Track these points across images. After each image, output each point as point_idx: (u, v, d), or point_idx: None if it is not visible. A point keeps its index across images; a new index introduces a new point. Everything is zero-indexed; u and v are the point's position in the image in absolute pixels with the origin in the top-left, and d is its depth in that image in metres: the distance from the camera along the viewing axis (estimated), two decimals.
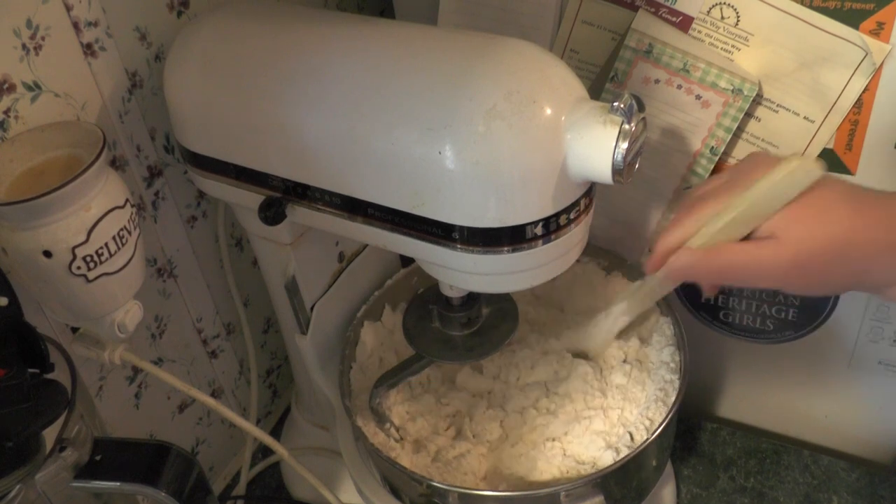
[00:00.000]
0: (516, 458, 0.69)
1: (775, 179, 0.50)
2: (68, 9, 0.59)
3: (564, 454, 0.69)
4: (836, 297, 0.77)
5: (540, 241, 0.52)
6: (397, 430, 0.71)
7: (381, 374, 0.70)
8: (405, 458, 0.70)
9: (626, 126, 0.48)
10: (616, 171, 0.49)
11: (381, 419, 0.70)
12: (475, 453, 0.70)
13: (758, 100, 0.69)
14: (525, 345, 0.77)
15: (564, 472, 0.67)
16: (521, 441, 0.70)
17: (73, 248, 0.54)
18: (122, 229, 0.57)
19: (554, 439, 0.70)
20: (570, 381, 0.73)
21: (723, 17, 0.67)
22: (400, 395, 0.74)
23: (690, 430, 0.92)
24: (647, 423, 0.68)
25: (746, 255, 0.52)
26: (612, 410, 0.71)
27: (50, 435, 0.47)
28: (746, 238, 0.53)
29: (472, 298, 0.66)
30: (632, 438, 0.67)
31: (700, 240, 0.54)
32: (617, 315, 0.71)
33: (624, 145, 0.48)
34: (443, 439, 0.72)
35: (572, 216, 0.53)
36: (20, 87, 0.56)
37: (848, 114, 0.66)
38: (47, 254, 0.53)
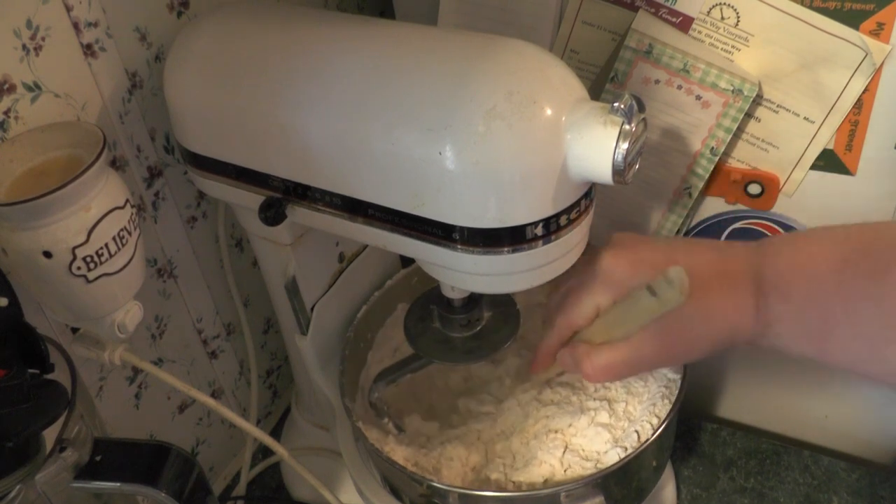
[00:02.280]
0: (517, 450, 0.69)
1: (648, 307, 0.55)
2: (68, 9, 0.59)
3: (567, 447, 0.69)
4: None
5: (540, 242, 0.52)
6: (396, 425, 0.71)
7: (380, 370, 0.70)
8: (399, 452, 0.70)
9: (627, 126, 0.48)
10: (616, 172, 0.49)
11: (379, 413, 0.70)
12: (466, 443, 0.70)
13: (758, 100, 0.69)
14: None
15: (566, 466, 0.67)
16: (522, 432, 0.70)
17: (73, 249, 0.54)
18: (122, 230, 0.57)
19: (557, 431, 0.70)
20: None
21: (723, 18, 0.67)
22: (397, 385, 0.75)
23: (690, 430, 0.92)
24: (655, 420, 0.68)
25: (615, 354, 0.58)
26: (616, 403, 0.71)
27: (50, 435, 0.47)
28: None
29: (472, 300, 0.66)
30: (639, 437, 0.67)
31: (578, 338, 0.61)
32: None
33: (624, 146, 0.48)
34: (435, 428, 0.72)
35: (572, 217, 0.53)
36: (20, 88, 0.56)
37: (848, 114, 0.66)
38: (47, 254, 0.53)
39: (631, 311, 0.57)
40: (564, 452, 0.68)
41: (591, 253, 0.60)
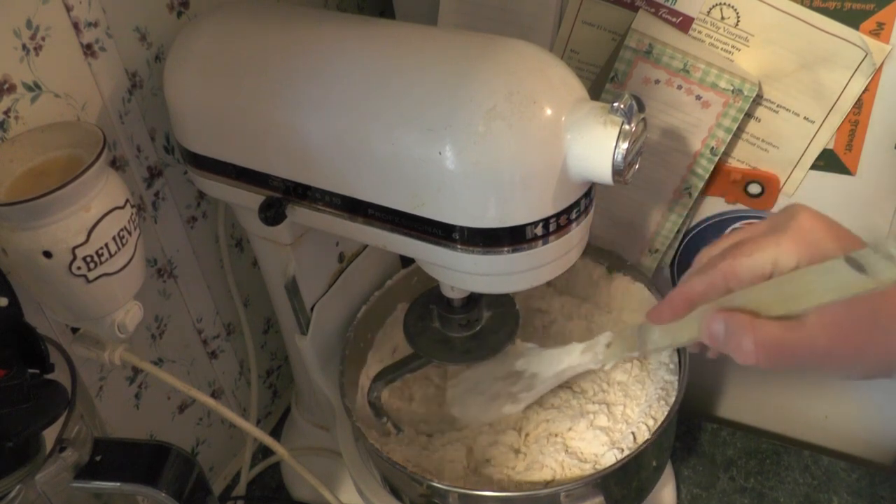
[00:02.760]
0: (517, 451, 0.69)
1: (848, 283, 0.42)
2: (68, 9, 0.59)
3: (567, 450, 0.69)
4: None
5: (540, 242, 0.52)
6: (394, 424, 0.71)
7: (379, 370, 0.70)
8: (399, 452, 0.70)
9: (627, 126, 0.48)
10: (616, 172, 0.49)
11: (378, 413, 0.70)
12: (467, 443, 0.70)
13: (758, 100, 0.69)
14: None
15: (566, 467, 0.67)
16: (522, 434, 0.70)
17: (73, 249, 0.54)
18: (122, 230, 0.57)
19: (556, 434, 0.70)
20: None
21: (723, 18, 0.67)
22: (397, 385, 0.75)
23: (690, 430, 0.92)
24: (651, 422, 0.68)
25: (787, 334, 0.44)
26: (615, 406, 0.71)
27: (50, 435, 0.47)
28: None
29: (472, 300, 0.66)
30: (634, 439, 0.67)
31: (730, 303, 0.47)
32: (582, 358, 0.62)
33: (624, 146, 0.48)
34: (435, 428, 0.72)
35: (572, 216, 0.53)
36: (20, 88, 0.56)
37: (848, 114, 0.66)
38: (47, 254, 0.53)
39: (820, 283, 0.43)
40: (564, 454, 0.68)
41: (779, 211, 0.49)
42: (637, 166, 0.51)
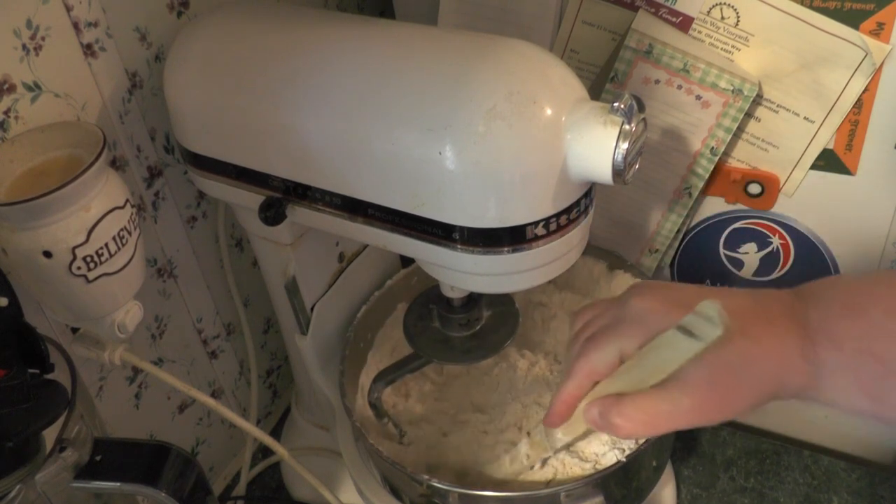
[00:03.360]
0: (517, 451, 0.69)
1: (684, 349, 0.48)
2: (68, 9, 0.59)
3: (568, 450, 0.69)
4: None
5: (540, 242, 0.52)
6: (396, 425, 0.71)
7: (379, 370, 0.70)
8: (399, 452, 0.70)
9: (627, 126, 0.48)
10: (616, 172, 0.49)
11: (378, 414, 0.70)
12: (467, 443, 0.70)
13: (758, 100, 0.69)
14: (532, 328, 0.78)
15: (567, 468, 0.67)
16: (523, 433, 0.70)
17: (73, 249, 0.54)
18: (122, 229, 0.57)
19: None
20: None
21: (723, 18, 0.67)
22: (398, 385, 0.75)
23: (690, 430, 0.92)
24: None
25: (651, 403, 0.50)
26: None
27: (50, 435, 0.47)
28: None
29: (472, 300, 0.66)
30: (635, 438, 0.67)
31: (602, 392, 0.53)
32: (514, 467, 0.67)
33: (624, 146, 0.48)
34: (435, 428, 0.72)
35: (572, 216, 0.53)
36: (20, 88, 0.56)
37: (848, 114, 0.66)
38: (47, 254, 0.53)
39: (662, 356, 0.49)
40: (565, 454, 0.68)
41: (612, 299, 0.56)
42: (637, 166, 0.51)
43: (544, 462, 0.67)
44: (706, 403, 0.49)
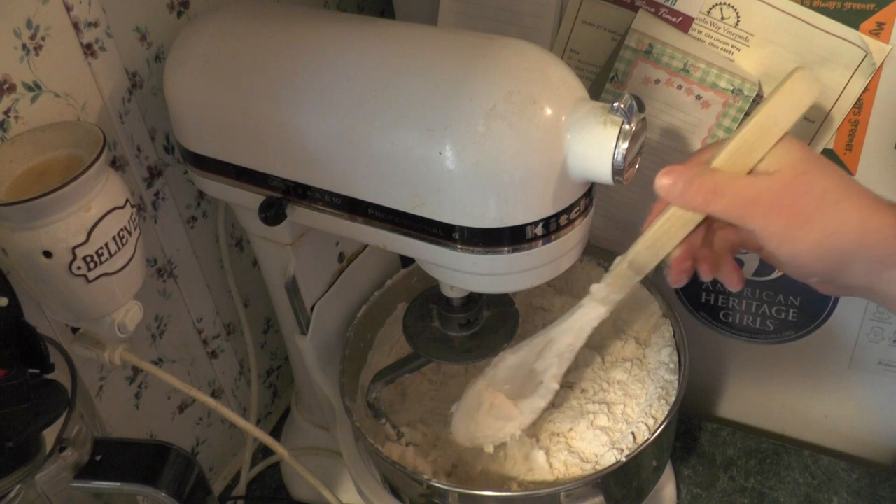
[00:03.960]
0: (517, 451, 0.69)
1: (784, 93, 0.48)
2: (68, 9, 0.59)
3: (568, 449, 0.69)
4: (837, 298, 0.77)
5: (540, 242, 0.52)
6: (394, 426, 0.71)
7: (378, 371, 0.70)
8: (399, 452, 0.70)
9: (627, 126, 0.48)
10: (616, 172, 0.49)
11: (377, 414, 0.70)
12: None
13: (758, 100, 0.69)
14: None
15: (566, 467, 0.67)
16: (522, 433, 0.70)
17: (73, 249, 0.54)
18: (122, 229, 0.57)
19: (557, 434, 0.70)
20: (577, 371, 0.73)
21: (723, 18, 0.67)
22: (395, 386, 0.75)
23: (690, 430, 0.92)
24: (651, 421, 0.68)
25: (746, 183, 0.49)
26: (615, 406, 0.71)
27: (50, 435, 0.47)
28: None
29: (471, 300, 0.66)
30: (634, 438, 0.67)
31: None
32: (592, 310, 0.60)
33: (624, 145, 0.48)
34: (435, 428, 0.72)
35: (572, 216, 0.53)
36: (20, 88, 0.56)
37: (848, 114, 0.66)
38: (47, 254, 0.53)
39: (767, 117, 0.48)
40: (566, 454, 0.68)
41: None
42: (637, 166, 0.51)
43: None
44: (785, 206, 0.48)
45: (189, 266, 0.78)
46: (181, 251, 0.77)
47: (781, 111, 0.48)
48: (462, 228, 0.51)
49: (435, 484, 0.62)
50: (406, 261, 0.82)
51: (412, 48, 0.54)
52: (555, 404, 0.72)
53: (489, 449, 0.66)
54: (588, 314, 0.59)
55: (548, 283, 0.78)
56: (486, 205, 0.50)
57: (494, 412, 0.65)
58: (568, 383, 0.74)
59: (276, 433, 0.93)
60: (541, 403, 0.64)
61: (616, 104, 0.48)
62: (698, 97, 0.69)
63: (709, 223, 0.53)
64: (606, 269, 0.79)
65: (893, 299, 0.49)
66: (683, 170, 0.50)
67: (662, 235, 0.53)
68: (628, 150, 0.48)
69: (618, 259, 0.56)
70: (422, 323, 0.69)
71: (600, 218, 0.78)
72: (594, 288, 0.58)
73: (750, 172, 0.49)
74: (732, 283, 0.55)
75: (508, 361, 0.64)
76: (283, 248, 0.67)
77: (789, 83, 0.49)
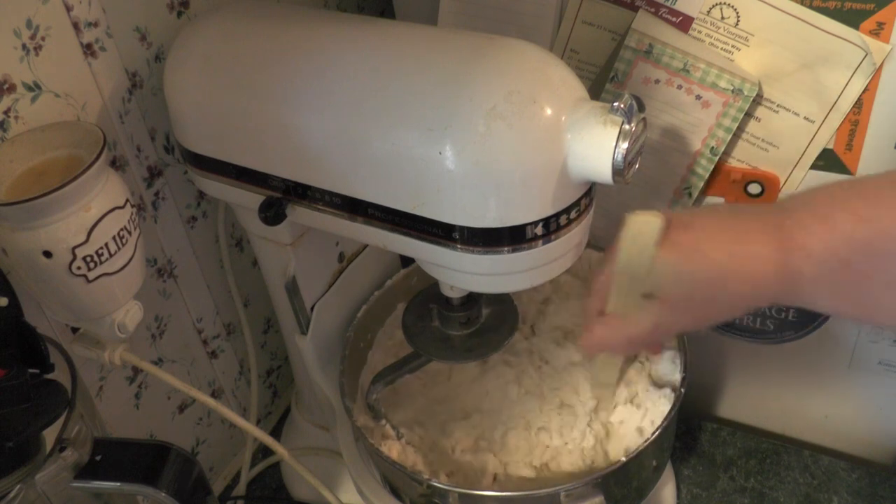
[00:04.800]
0: (517, 451, 0.69)
1: (624, 240, 0.53)
2: (68, 9, 0.59)
3: (568, 450, 0.69)
4: None
5: (540, 242, 0.52)
6: (394, 426, 0.71)
7: (378, 371, 0.70)
8: (399, 452, 0.70)
9: (627, 126, 0.48)
10: (616, 172, 0.49)
11: (377, 415, 0.70)
12: (467, 443, 0.70)
13: (758, 100, 0.69)
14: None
15: (566, 467, 0.67)
16: (523, 433, 0.70)
17: (73, 249, 0.54)
18: (122, 229, 0.57)
19: (557, 434, 0.70)
20: (572, 373, 0.73)
21: (723, 18, 0.67)
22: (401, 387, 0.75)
23: (690, 430, 0.92)
24: (651, 422, 0.68)
25: (638, 323, 0.55)
26: (615, 405, 0.71)
27: (50, 435, 0.47)
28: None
29: (471, 299, 0.66)
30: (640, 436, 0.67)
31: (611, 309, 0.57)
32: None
33: (624, 145, 0.48)
34: (435, 428, 0.72)
35: (572, 216, 0.53)
36: (20, 88, 0.56)
37: (848, 114, 0.66)
38: (47, 254, 0.53)
39: (629, 259, 0.54)
40: (565, 454, 0.68)
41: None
42: (637, 166, 0.51)
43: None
44: (684, 316, 0.54)
45: (189, 266, 0.78)
46: (181, 251, 0.77)
47: (634, 255, 0.53)
48: (462, 228, 0.51)
49: (435, 484, 0.62)
50: (406, 261, 0.82)
51: (412, 48, 0.54)
52: (554, 404, 0.72)
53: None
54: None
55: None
56: (486, 205, 0.50)
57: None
58: (566, 383, 0.74)
59: (276, 433, 0.93)
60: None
61: (616, 104, 0.48)
62: (698, 97, 0.69)
63: None
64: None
65: (813, 309, 0.53)
66: (586, 337, 0.58)
67: (606, 366, 0.67)
68: (628, 149, 0.48)
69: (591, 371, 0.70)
70: (421, 322, 0.69)
71: (600, 218, 0.78)
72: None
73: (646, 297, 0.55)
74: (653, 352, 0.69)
75: None
76: (283, 248, 0.67)
77: (625, 231, 0.53)
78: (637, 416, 0.70)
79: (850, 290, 0.49)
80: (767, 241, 0.50)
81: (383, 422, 0.71)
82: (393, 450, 0.70)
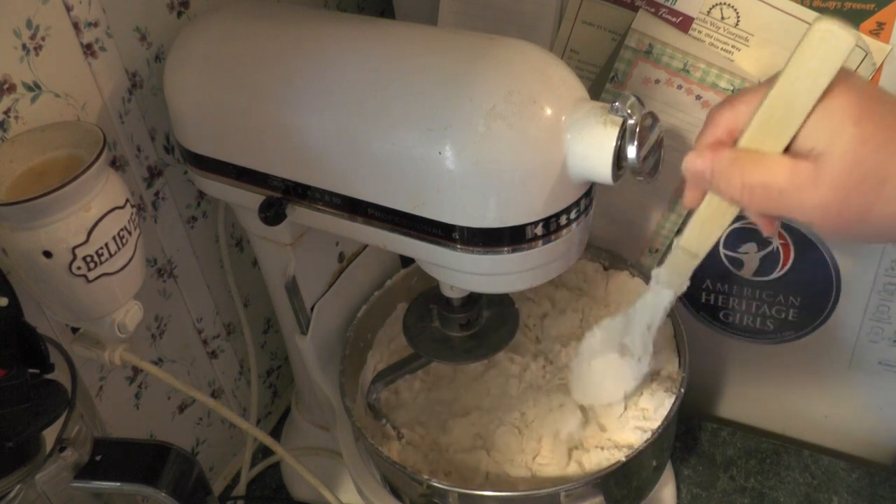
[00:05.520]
0: (518, 451, 0.69)
1: (802, 54, 0.40)
2: (68, 9, 0.59)
3: (568, 449, 0.69)
4: (837, 297, 0.77)
5: (540, 242, 0.52)
6: (394, 427, 0.71)
7: (378, 371, 0.70)
8: (399, 452, 0.70)
9: (629, 124, 0.48)
10: (632, 170, 0.49)
11: (377, 415, 0.70)
12: (467, 443, 0.70)
13: None
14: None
15: (566, 467, 0.67)
16: (523, 433, 0.70)
17: (73, 249, 0.54)
18: (122, 229, 0.57)
19: (557, 433, 0.70)
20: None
21: (723, 18, 0.67)
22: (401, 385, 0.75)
23: (690, 430, 0.92)
24: (651, 422, 0.68)
25: (783, 176, 0.41)
26: (615, 405, 0.71)
27: (50, 435, 0.47)
28: (788, 149, 0.42)
29: (471, 300, 0.66)
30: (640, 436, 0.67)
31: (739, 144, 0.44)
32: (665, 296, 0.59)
33: (633, 143, 0.48)
34: (435, 428, 0.72)
35: (572, 216, 0.53)
36: (20, 88, 0.56)
37: None
38: (47, 254, 0.53)
39: (797, 81, 0.41)
40: (565, 454, 0.68)
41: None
42: (660, 165, 0.51)
43: None
44: (843, 210, 0.41)
45: (189, 266, 0.78)
46: (181, 251, 0.77)
47: (805, 74, 0.40)
48: (462, 228, 0.51)
49: (435, 484, 0.62)
50: (406, 261, 0.82)
51: (412, 48, 0.54)
52: (554, 403, 0.72)
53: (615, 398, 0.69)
54: (658, 296, 0.58)
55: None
56: (486, 205, 0.50)
57: (610, 373, 0.68)
58: (567, 381, 0.74)
59: (276, 433, 0.93)
60: (644, 370, 0.67)
61: (616, 104, 0.48)
62: (698, 97, 0.69)
63: None
64: (605, 269, 0.80)
65: None
66: (710, 156, 0.44)
67: (709, 217, 0.49)
68: (638, 147, 0.48)
69: (674, 239, 0.53)
70: (422, 323, 0.69)
71: (600, 218, 0.78)
72: (655, 272, 0.56)
73: (790, 149, 0.42)
74: (765, 230, 0.49)
75: (597, 336, 0.66)
76: (283, 248, 0.67)
77: (807, 40, 0.40)
78: (637, 416, 0.70)
79: None
80: None
81: (384, 422, 0.71)
82: (393, 450, 0.70)
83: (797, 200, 0.41)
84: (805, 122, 0.41)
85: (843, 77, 0.40)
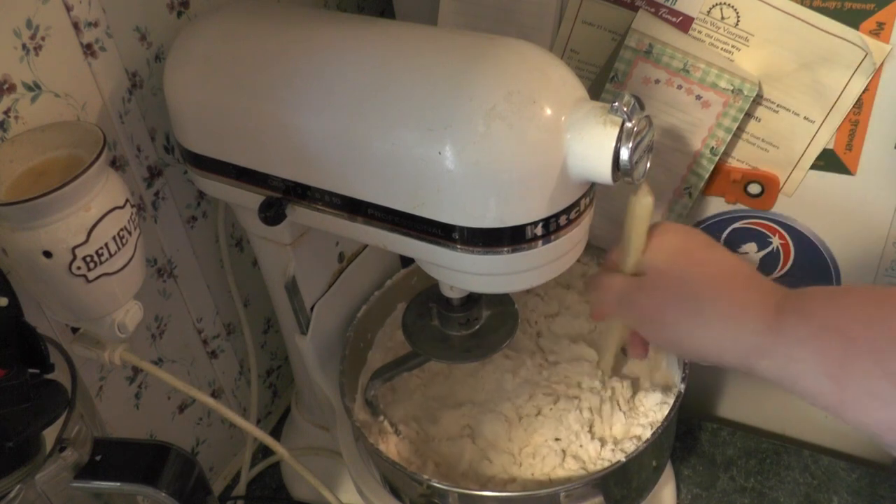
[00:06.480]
0: (517, 450, 0.69)
1: (631, 212, 0.56)
2: (68, 9, 0.59)
3: (568, 449, 0.69)
4: None
5: (540, 242, 0.52)
6: (392, 423, 0.71)
7: (376, 368, 0.70)
8: (399, 452, 0.70)
9: (627, 126, 0.48)
10: (617, 172, 0.49)
11: (375, 412, 0.70)
12: (467, 443, 0.70)
13: (758, 100, 0.69)
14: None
15: (566, 467, 0.67)
16: (523, 432, 0.70)
17: (73, 249, 0.54)
18: (122, 229, 0.57)
19: (557, 433, 0.70)
20: (577, 370, 0.73)
21: (723, 18, 0.67)
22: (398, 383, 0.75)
23: (690, 430, 0.92)
24: (651, 422, 0.68)
25: (622, 283, 0.57)
26: (615, 404, 0.71)
27: (50, 435, 0.47)
28: None
29: (471, 299, 0.66)
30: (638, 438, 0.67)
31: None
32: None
33: (627, 146, 0.48)
34: (434, 427, 0.72)
35: (572, 217, 0.53)
36: (20, 87, 0.56)
37: (848, 114, 0.66)
38: (47, 254, 0.53)
39: (628, 235, 0.58)
40: (565, 454, 0.68)
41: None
42: (648, 165, 0.51)
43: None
44: (651, 299, 0.55)
45: (189, 266, 0.78)
46: (181, 251, 0.77)
47: (629, 230, 0.57)
48: (462, 228, 0.51)
49: (435, 484, 0.62)
50: (406, 261, 0.82)
51: (412, 48, 0.54)
52: (554, 404, 0.72)
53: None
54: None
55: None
56: (486, 205, 0.50)
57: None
58: (566, 381, 0.74)
59: (276, 433, 0.93)
60: None
61: (616, 104, 0.48)
62: (698, 97, 0.69)
63: None
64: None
65: (774, 381, 0.51)
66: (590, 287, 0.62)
67: (606, 330, 0.70)
68: (632, 149, 0.48)
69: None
70: (421, 322, 0.69)
71: (600, 218, 0.78)
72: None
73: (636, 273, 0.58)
74: (635, 354, 0.64)
75: None
76: (283, 248, 0.67)
77: (630, 205, 0.56)
78: (637, 416, 0.70)
79: (836, 363, 0.48)
80: (762, 300, 0.51)
81: (381, 418, 0.71)
82: (390, 445, 0.70)
83: (630, 302, 0.57)
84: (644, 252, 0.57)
85: (667, 225, 0.59)
